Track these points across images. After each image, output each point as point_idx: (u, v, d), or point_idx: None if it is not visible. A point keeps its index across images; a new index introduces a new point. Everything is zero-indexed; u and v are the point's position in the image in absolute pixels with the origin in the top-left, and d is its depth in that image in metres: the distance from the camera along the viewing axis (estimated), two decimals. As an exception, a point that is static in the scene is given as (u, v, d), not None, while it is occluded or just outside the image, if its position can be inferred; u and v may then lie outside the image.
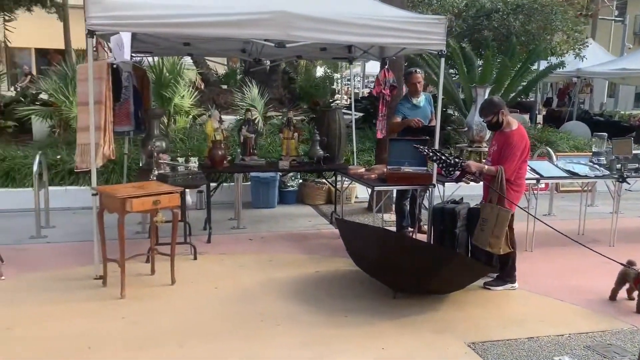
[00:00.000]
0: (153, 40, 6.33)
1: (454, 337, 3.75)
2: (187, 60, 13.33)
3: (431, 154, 4.66)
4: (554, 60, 11.00)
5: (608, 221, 6.19)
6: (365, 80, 22.35)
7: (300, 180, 8.08)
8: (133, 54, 6.26)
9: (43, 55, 22.05)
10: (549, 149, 7.65)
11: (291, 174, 7.76)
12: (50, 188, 6.52)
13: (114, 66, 5.23)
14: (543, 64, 12.08)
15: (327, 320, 3.95)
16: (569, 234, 6.22)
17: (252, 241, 5.96)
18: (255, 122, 6.43)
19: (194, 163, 5.45)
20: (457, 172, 4.56)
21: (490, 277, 4.80)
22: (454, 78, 10.61)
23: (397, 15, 5.10)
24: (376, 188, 5.24)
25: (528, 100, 15.31)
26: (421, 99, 6.08)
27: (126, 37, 4.34)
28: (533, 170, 5.75)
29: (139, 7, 4.48)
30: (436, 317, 4.08)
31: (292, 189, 7.95)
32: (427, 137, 5.53)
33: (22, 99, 10.13)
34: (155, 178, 4.95)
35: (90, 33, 4.39)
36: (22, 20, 15.57)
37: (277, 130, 8.89)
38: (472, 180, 4.90)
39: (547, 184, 8.17)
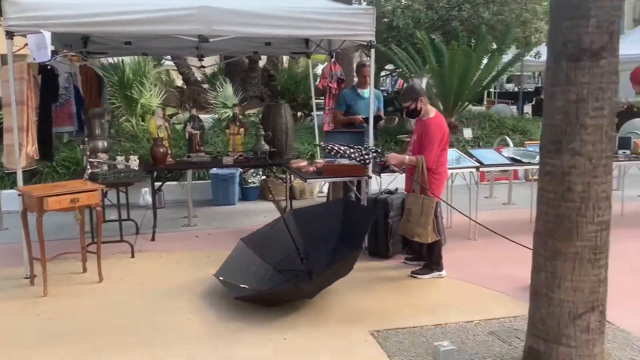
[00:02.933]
0: (102, 40, 6.40)
1: (359, 326, 3.74)
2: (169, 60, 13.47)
3: (335, 149, 4.67)
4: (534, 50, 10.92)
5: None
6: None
7: (263, 177, 8.09)
8: (89, 55, 6.33)
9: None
10: (507, 138, 7.58)
11: (252, 170, 7.78)
12: (4, 191, 6.61)
13: (48, 67, 5.28)
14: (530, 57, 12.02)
15: (236, 314, 3.96)
16: (520, 222, 6.23)
17: (198, 238, 5.99)
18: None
19: (134, 161, 5.49)
20: (369, 161, 4.62)
21: (419, 265, 4.79)
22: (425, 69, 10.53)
23: (323, 6, 5.08)
24: (309, 180, 5.23)
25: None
26: (367, 92, 6.06)
27: (47, 37, 4.37)
28: (477, 159, 5.73)
29: (56, 6, 4.52)
30: (349, 307, 4.08)
31: (254, 185, 7.96)
32: (362, 130, 5.53)
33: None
34: (87, 177, 4.99)
35: (9, 34, 4.45)
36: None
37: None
38: (398, 171, 4.88)
39: (515, 173, 8.13)
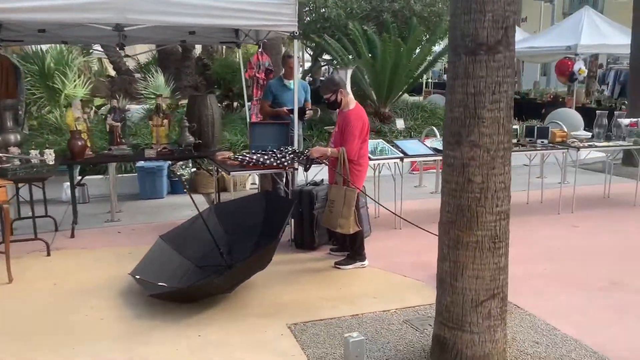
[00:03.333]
0: (16, 28, 6.04)
1: (277, 320, 3.73)
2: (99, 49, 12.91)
3: (247, 160, 4.71)
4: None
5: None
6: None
7: (194, 169, 7.92)
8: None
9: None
10: (434, 129, 7.74)
11: (181, 162, 7.60)
12: None
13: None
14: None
15: (152, 312, 3.85)
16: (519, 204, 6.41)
17: (121, 234, 5.80)
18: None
19: (49, 155, 5.24)
20: (288, 163, 4.68)
21: (343, 256, 4.83)
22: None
23: (244, -5, 4.99)
24: (232, 173, 5.15)
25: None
26: (293, 83, 6.03)
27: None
28: (401, 150, 5.82)
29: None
30: (269, 300, 4.06)
31: (183, 178, 7.78)
32: (288, 122, 5.50)
33: None
34: (-5, 173, 4.72)
35: None
36: None
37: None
38: (324, 163, 4.88)
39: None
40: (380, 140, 6.22)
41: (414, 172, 8.27)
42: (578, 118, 10.62)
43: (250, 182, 8.00)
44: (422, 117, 10.69)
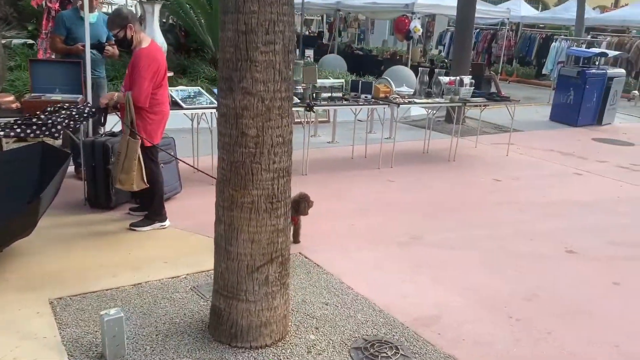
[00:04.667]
0: None
1: (40, 294, 3.15)
2: None
3: (15, 133, 3.84)
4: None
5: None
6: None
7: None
8: None
9: None
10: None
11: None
12: None
13: None
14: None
15: None
16: (344, 159, 6.24)
17: None
18: None
19: None
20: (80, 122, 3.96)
21: (139, 216, 4.33)
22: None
23: None
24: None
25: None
26: (95, 16, 5.18)
27: None
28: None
29: None
30: (36, 271, 3.44)
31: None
32: (79, 61, 4.73)
33: None
34: None
35: None
36: None
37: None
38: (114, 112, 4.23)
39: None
40: (199, 87, 5.69)
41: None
42: (411, 75, 10.96)
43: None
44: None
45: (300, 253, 3.96)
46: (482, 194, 5.78)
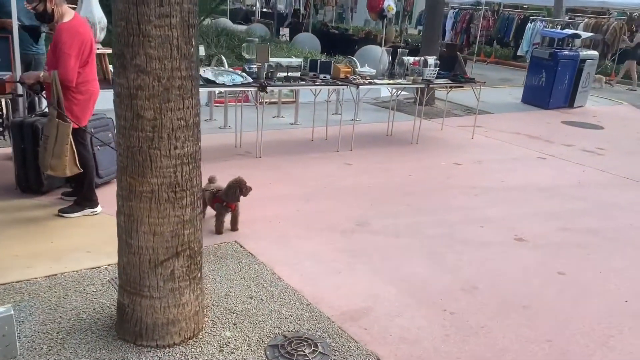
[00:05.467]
0: None
1: (-61, 288, 2.94)
2: None
3: None
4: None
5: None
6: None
7: None
8: None
9: None
10: (223, 57, 7.10)
11: None
12: None
13: None
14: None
15: None
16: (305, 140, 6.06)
17: None
18: None
19: None
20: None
21: (71, 201, 4.10)
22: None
23: None
24: None
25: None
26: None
27: None
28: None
29: None
30: (-58, 262, 3.22)
31: None
32: (7, 36, 4.44)
33: None
34: None
35: None
36: None
37: None
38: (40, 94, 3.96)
39: (246, 96, 7.68)
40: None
41: (217, 105, 7.59)
42: (384, 56, 10.70)
43: None
44: (227, 44, 9.96)
45: (235, 241, 3.78)
46: (440, 178, 5.62)
